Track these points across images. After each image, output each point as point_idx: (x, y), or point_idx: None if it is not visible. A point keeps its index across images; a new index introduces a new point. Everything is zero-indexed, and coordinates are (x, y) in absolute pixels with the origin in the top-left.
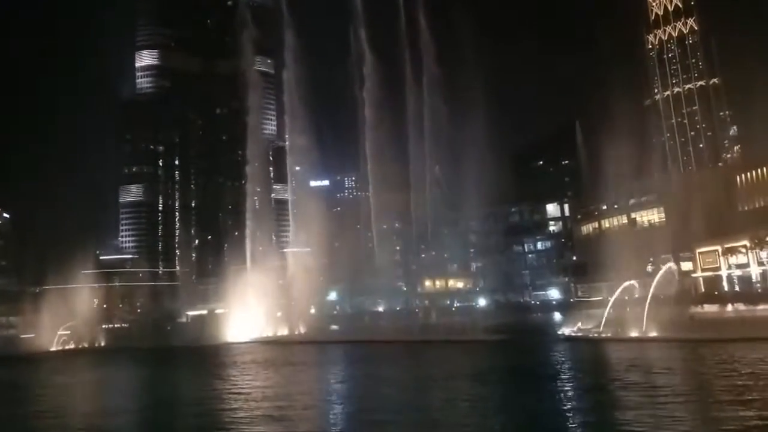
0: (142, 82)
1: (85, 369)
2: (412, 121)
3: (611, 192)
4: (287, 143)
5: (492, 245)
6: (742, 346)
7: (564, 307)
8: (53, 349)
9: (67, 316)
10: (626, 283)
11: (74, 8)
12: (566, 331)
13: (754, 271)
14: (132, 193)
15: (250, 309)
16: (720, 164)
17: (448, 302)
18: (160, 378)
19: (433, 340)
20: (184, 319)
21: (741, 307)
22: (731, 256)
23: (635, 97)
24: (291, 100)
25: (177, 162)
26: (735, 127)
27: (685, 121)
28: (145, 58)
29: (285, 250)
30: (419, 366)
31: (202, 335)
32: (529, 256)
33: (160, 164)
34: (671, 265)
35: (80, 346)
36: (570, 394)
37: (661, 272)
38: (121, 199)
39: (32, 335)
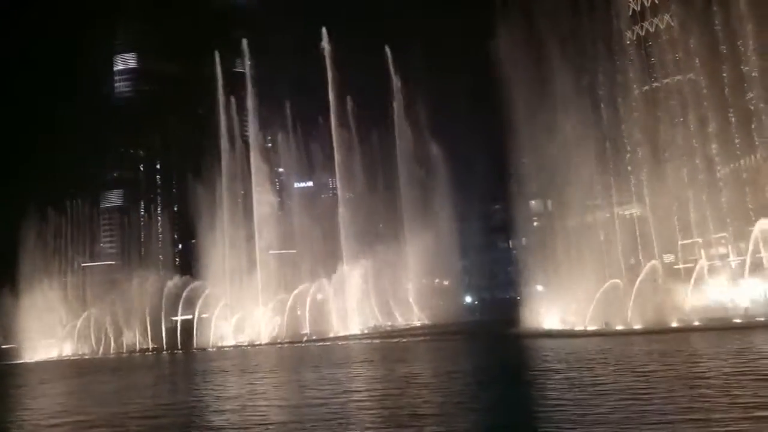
0: (121, 86)
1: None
2: (394, 120)
3: (594, 187)
4: (269, 145)
5: (476, 243)
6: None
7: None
8: (36, 359)
9: (50, 325)
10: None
11: (50, 11)
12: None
13: (734, 262)
14: (113, 199)
15: (234, 313)
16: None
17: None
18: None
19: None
20: (168, 324)
21: None
22: (712, 248)
23: (615, 94)
24: (267, 100)
25: (158, 166)
26: (713, 123)
27: (666, 116)
28: (124, 62)
29: (271, 251)
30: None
31: (191, 340)
32: (515, 252)
33: (141, 169)
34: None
35: (65, 355)
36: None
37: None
38: (102, 205)
39: (14, 345)
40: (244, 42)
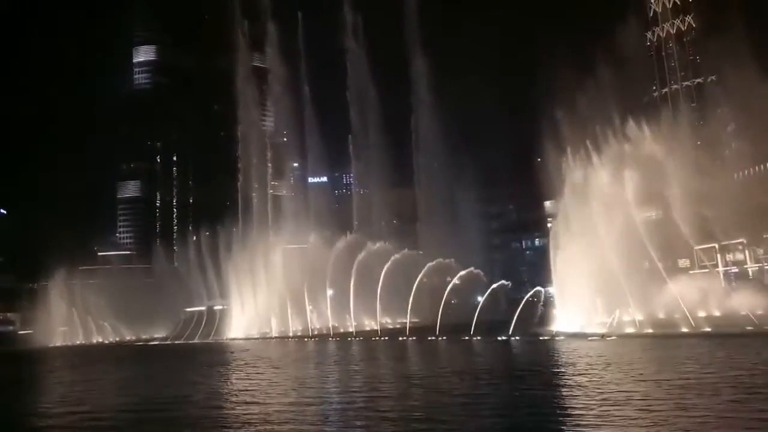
0: (140, 78)
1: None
2: (412, 118)
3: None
4: (285, 139)
5: (490, 242)
6: None
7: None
8: (52, 345)
9: (66, 312)
10: None
11: (71, 3)
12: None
13: (751, 269)
14: (130, 189)
15: (248, 305)
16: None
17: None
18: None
19: None
20: (181, 316)
21: None
22: (728, 253)
23: (633, 95)
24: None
25: (175, 158)
26: (732, 124)
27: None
28: (143, 54)
29: (285, 246)
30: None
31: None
32: (527, 252)
33: (158, 160)
34: None
35: (79, 342)
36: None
37: None
38: (119, 195)
39: (30, 331)
40: (270, 30)
